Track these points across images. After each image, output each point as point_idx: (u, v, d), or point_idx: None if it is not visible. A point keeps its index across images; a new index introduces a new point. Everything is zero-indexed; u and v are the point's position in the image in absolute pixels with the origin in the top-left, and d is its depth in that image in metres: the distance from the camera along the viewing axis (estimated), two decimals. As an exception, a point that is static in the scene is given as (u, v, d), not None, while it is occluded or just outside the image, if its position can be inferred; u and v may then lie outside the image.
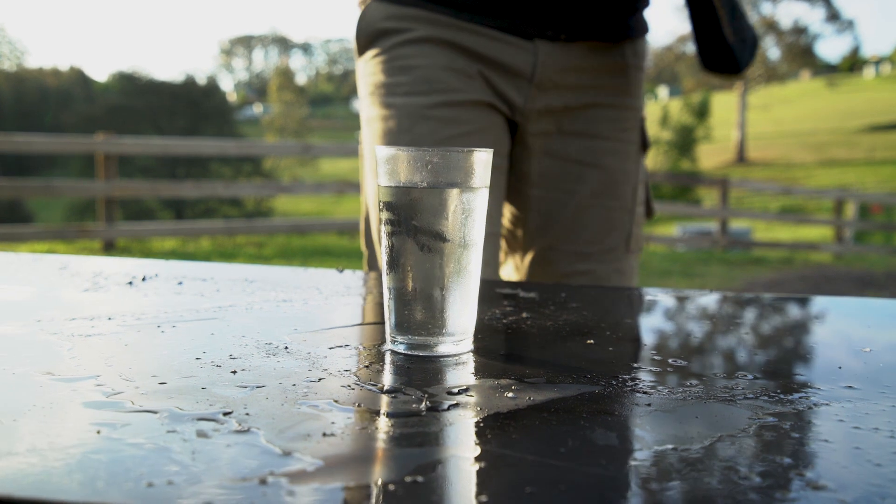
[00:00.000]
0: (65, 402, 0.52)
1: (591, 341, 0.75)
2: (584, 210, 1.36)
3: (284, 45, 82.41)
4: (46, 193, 8.06)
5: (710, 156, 39.49)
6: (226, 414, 0.50)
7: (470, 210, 0.71)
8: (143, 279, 1.03)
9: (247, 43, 77.59)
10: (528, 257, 1.41)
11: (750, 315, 0.96)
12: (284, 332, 0.75)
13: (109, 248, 7.78)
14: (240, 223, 8.39)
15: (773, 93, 48.22)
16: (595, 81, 1.33)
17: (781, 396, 0.57)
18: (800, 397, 0.58)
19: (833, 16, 42.19)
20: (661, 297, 1.05)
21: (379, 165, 0.72)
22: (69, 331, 0.74)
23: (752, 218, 13.72)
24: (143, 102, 38.06)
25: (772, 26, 42.19)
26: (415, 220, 0.70)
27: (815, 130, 50.19)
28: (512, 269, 1.45)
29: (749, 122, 45.67)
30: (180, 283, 1.00)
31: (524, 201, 1.39)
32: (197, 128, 39.83)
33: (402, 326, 0.71)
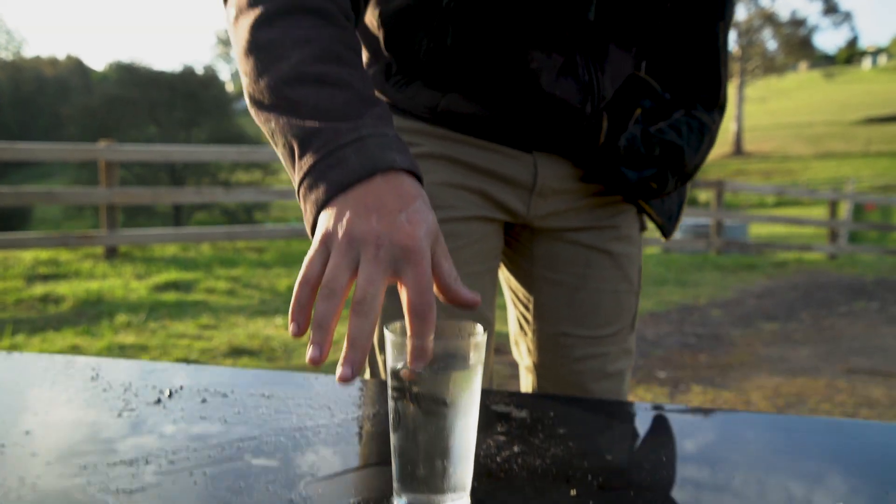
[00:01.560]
0: None
1: (574, 492, 0.85)
2: (597, 296, 1.46)
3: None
4: (48, 200, 8.14)
5: (708, 148, 39.47)
6: None
7: (469, 382, 0.81)
8: (170, 395, 1.13)
9: (244, 32, 77.64)
10: (542, 342, 1.49)
11: (720, 448, 1.06)
12: (301, 480, 0.85)
13: (111, 255, 7.88)
14: (240, 229, 8.49)
15: (770, 85, 48.25)
16: (596, 183, 1.42)
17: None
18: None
19: (830, 8, 42.20)
20: (652, 417, 1.15)
21: (386, 345, 0.82)
22: (114, 483, 0.84)
23: (748, 220, 13.82)
24: (141, 94, 37.95)
25: (769, 18, 42.21)
26: (417, 389, 0.80)
27: (812, 122, 50.27)
28: (525, 352, 1.54)
29: (746, 114, 45.71)
30: (204, 401, 1.10)
31: (533, 283, 1.48)
32: (195, 119, 39.68)
33: (405, 483, 0.81)
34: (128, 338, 4.71)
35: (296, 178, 0.85)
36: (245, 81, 0.93)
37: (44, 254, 7.71)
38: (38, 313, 5.47)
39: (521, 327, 1.54)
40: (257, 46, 0.91)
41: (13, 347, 4.46)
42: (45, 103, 47.11)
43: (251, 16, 0.93)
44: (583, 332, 1.46)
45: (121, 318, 5.17)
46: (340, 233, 0.78)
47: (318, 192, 0.82)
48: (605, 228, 1.45)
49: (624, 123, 1.37)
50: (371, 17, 1.31)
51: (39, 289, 6.11)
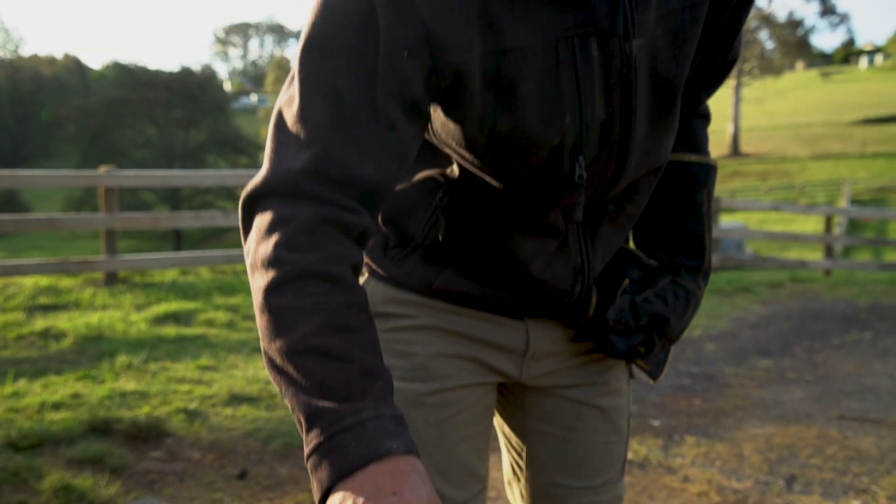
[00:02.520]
0: None
1: None
2: (588, 448, 1.51)
3: (281, 33, 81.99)
4: (49, 227, 8.18)
5: (705, 151, 39.47)
6: None
7: None
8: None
9: (243, 31, 77.08)
10: (534, 490, 1.56)
11: None
12: None
13: (111, 281, 7.92)
14: (239, 252, 8.52)
15: (766, 85, 48.27)
16: (586, 342, 1.47)
17: None
18: None
19: (827, 10, 42.21)
20: None
21: None
22: None
23: (745, 236, 13.88)
24: (139, 94, 37.97)
25: (766, 19, 42.23)
26: None
27: (809, 123, 50.28)
28: (518, 496, 1.60)
29: (743, 115, 45.73)
30: None
31: (526, 434, 1.54)
32: (193, 119, 39.67)
33: None
34: (129, 383, 4.76)
35: (305, 449, 0.92)
36: (261, 334, 0.99)
37: (44, 280, 7.76)
38: (38, 351, 5.52)
39: (515, 472, 1.60)
40: (270, 310, 0.97)
41: (15, 395, 4.51)
42: (44, 106, 47.03)
43: (264, 278, 0.98)
44: (575, 482, 1.52)
45: (121, 359, 5.22)
46: None
47: (323, 474, 0.89)
48: (595, 384, 1.51)
49: (612, 295, 1.42)
50: None
51: (40, 322, 6.16)
